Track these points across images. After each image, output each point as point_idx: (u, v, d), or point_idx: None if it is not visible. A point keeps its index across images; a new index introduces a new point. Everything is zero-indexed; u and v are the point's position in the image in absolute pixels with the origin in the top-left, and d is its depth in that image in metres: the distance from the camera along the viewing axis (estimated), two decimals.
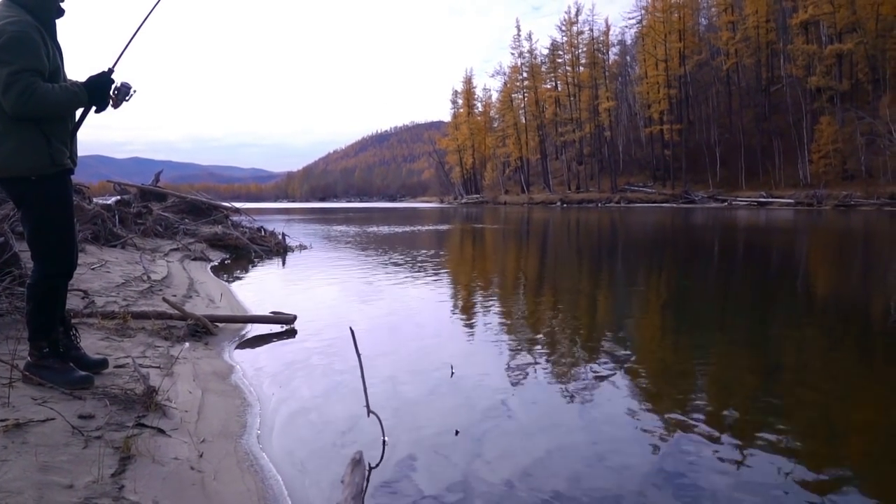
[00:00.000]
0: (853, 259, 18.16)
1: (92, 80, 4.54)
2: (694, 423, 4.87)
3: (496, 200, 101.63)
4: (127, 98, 4.72)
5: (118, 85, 4.65)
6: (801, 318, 9.52)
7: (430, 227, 36.88)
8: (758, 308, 10.35)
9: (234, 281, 13.35)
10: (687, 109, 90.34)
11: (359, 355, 4.45)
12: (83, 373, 4.77)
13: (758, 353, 7.43)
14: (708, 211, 56.77)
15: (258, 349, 7.44)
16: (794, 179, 71.81)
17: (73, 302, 7.70)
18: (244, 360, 6.83)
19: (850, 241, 24.04)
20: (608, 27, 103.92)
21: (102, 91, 4.58)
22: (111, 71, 4.60)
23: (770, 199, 65.56)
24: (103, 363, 5.21)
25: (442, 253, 21.04)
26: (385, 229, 34.14)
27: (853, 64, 74.97)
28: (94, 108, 4.65)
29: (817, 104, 73.33)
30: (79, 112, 4.67)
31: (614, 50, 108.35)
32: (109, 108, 4.71)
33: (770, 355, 7.33)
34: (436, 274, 14.27)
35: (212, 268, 15.21)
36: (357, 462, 2.46)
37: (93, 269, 10.73)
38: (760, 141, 78.18)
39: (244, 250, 18.35)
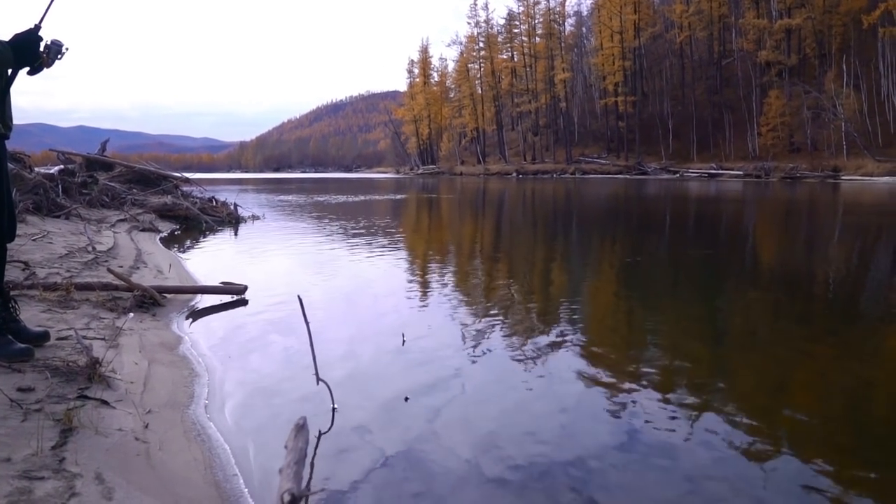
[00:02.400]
0: (797, 230, 18.66)
1: (18, 37, 4.27)
2: (646, 387, 4.96)
3: (452, 171, 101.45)
4: (59, 57, 4.48)
5: (48, 42, 4.42)
6: (747, 286, 9.76)
7: (386, 197, 36.69)
8: (707, 277, 10.58)
9: (184, 252, 13.12)
10: (641, 82, 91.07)
11: (307, 323, 4.42)
12: (22, 345, 4.63)
13: (706, 320, 7.60)
14: (660, 182, 57.58)
15: (208, 320, 7.34)
16: (743, 152, 73.21)
17: (13, 273, 7.46)
18: (193, 331, 6.73)
19: (795, 213, 24.67)
20: None
21: (31, 49, 4.33)
22: (38, 27, 4.35)
23: (720, 171, 66.73)
24: (44, 336, 5.07)
25: (397, 223, 20.98)
26: (340, 199, 33.85)
27: (801, 39, 76.34)
28: (24, 68, 4.43)
29: (766, 78, 74.63)
30: (9, 74, 4.46)
31: (570, 21, 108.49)
32: (43, 69, 4.50)
33: (718, 322, 7.52)
34: (391, 244, 14.22)
35: (161, 239, 14.91)
36: (300, 427, 2.44)
37: (34, 240, 10.42)
38: (712, 114, 79.39)
39: (195, 221, 18.01)
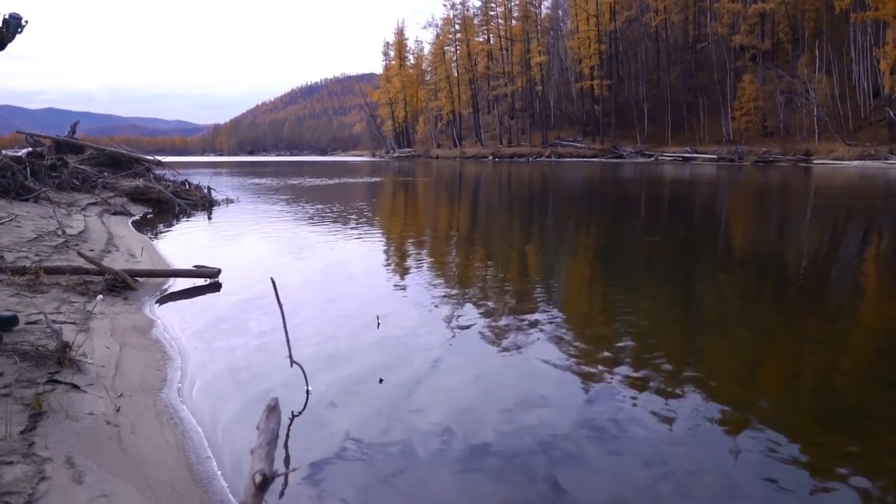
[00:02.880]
0: (770, 214, 18.88)
1: None
2: (619, 368, 5.02)
3: (428, 154, 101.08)
4: (19, 30, 4.37)
5: (5, 16, 4.30)
6: (720, 269, 9.88)
7: (362, 180, 36.53)
8: (680, 260, 10.69)
9: (156, 235, 12.98)
10: (617, 65, 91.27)
11: (280, 306, 4.40)
12: None
13: (679, 302, 7.69)
14: (635, 166, 57.90)
15: (181, 303, 7.28)
16: (717, 136, 73.80)
17: None
18: (166, 315, 6.67)
19: (768, 197, 24.96)
20: None
21: None
22: None
23: (694, 155, 67.26)
24: (13, 320, 5.00)
25: (373, 206, 20.91)
26: (315, 182, 33.63)
27: (775, 23, 76.96)
28: None
29: (740, 62, 75.12)
30: None
31: (546, 4, 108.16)
32: (5, 45, 4.38)
33: (690, 304, 7.61)
34: (366, 227, 14.18)
35: (133, 222, 14.73)
36: (272, 408, 2.43)
37: (1, 223, 10.24)
38: (686, 98, 79.86)
39: (168, 204, 17.80)
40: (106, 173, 19.85)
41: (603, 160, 73.13)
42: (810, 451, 3.68)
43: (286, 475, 3.35)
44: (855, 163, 50.01)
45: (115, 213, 15.21)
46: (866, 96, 61.54)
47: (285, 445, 3.73)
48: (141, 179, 19.61)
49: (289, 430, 3.94)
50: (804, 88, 62.46)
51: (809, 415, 4.27)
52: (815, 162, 54.98)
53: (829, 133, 59.99)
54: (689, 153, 68.65)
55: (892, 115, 53.73)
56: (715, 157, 64.29)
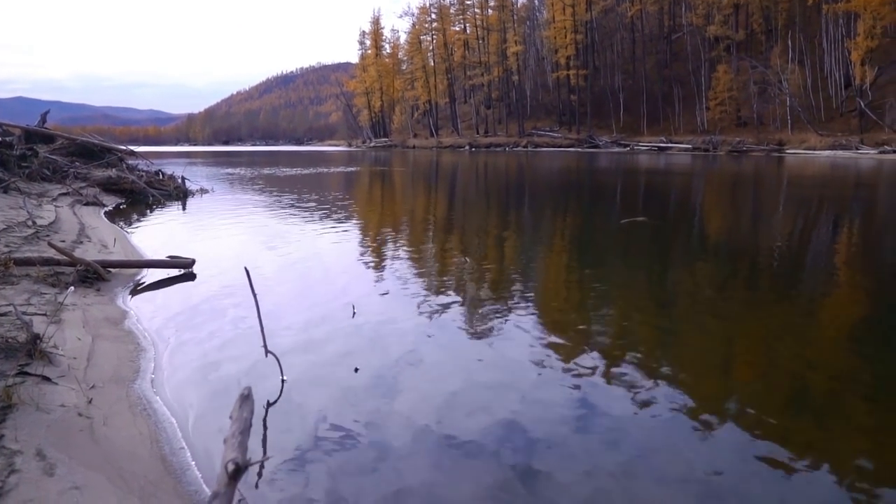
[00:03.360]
0: (744, 202, 19.09)
1: None
2: (597, 356, 5.06)
3: (405, 144, 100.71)
4: None
5: None
6: (695, 257, 9.99)
7: (338, 170, 36.32)
8: (655, 249, 10.77)
9: (129, 226, 12.84)
10: (593, 55, 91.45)
11: (254, 295, 4.38)
12: None
13: (654, 291, 7.76)
14: (611, 155, 58.17)
15: (154, 294, 7.22)
16: (692, 126, 74.28)
17: None
18: (139, 306, 6.61)
19: (742, 186, 25.21)
20: None
21: None
22: None
23: (669, 145, 67.68)
24: None
25: (349, 196, 20.82)
26: (291, 172, 33.39)
27: (749, 14, 77.54)
28: None
29: (715, 53, 75.61)
30: None
31: None
32: None
33: (665, 294, 7.68)
34: (342, 217, 14.12)
35: (105, 213, 14.56)
36: (245, 397, 2.42)
37: None
38: (661, 88, 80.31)
39: (141, 195, 17.60)
40: (77, 163, 19.55)
41: (579, 150, 73.38)
42: (782, 434, 3.74)
43: (260, 464, 3.34)
44: (827, 152, 50.65)
45: (87, 204, 15.01)
46: (838, 87, 62.25)
47: (261, 435, 3.72)
48: (113, 169, 19.35)
49: (265, 419, 3.93)
50: (777, 79, 63.02)
51: (781, 398, 4.34)
52: (787, 152, 55.58)
53: (802, 123, 60.61)
54: (664, 143, 69.06)
55: (862, 105, 54.42)
56: (690, 146, 64.77)
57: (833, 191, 21.77)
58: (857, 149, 49.24)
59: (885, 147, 46.64)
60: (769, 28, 74.98)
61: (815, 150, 53.61)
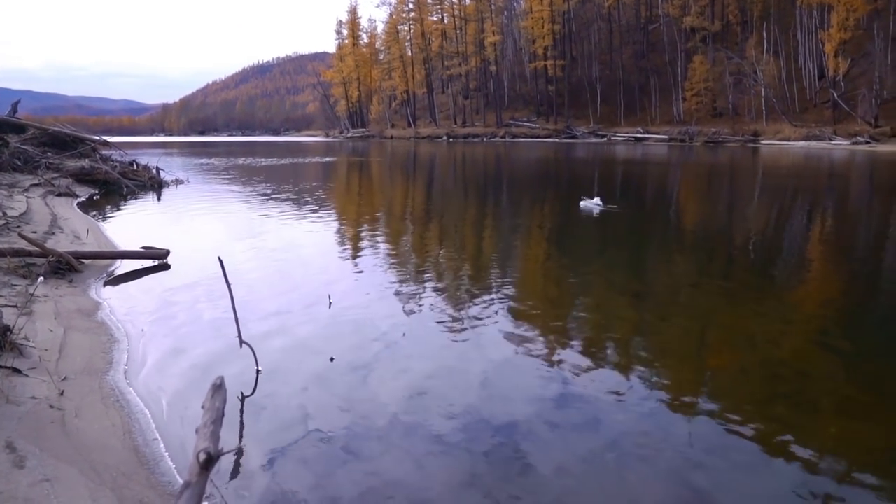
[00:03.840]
0: (720, 192, 19.25)
1: None
2: (574, 345, 5.09)
3: (382, 134, 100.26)
4: None
5: None
6: (671, 247, 10.06)
7: (315, 160, 36.11)
8: (632, 238, 10.84)
9: (103, 217, 12.68)
10: (570, 46, 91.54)
11: (228, 285, 4.34)
12: None
13: (631, 280, 7.81)
14: (589, 146, 58.39)
15: (128, 285, 7.14)
16: (668, 116, 74.73)
17: None
18: (112, 297, 6.54)
19: (718, 176, 25.42)
20: None
21: None
22: None
23: (646, 135, 68.07)
24: None
25: (327, 186, 20.71)
26: (268, 162, 33.13)
27: (724, 5, 78.04)
28: None
29: (691, 44, 76.06)
30: None
31: None
32: None
33: (642, 282, 7.74)
34: (320, 207, 14.04)
35: (78, 203, 14.36)
36: (217, 387, 2.41)
37: None
38: (638, 78, 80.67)
39: (115, 185, 17.39)
40: (50, 154, 19.23)
41: (557, 140, 73.58)
42: (757, 421, 3.79)
43: (235, 453, 3.32)
44: (801, 143, 51.20)
45: (59, 195, 14.79)
46: (812, 78, 62.89)
47: (235, 425, 3.70)
48: (87, 160, 19.07)
49: (241, 409, 3.91)
50: (752, 70, 63.52)
51: (755, 386, 4.39)
52: (762, 142, 56.13)
53: (777, 114, 61.20)
54: (641, 133, 69.45)
55: (835, 96, 55.03)
56: (666, 137, 65.19)
57: (807, 181, 22.02)
58: (831, 139, 49.86)
59: (858, 138, 47.26)
60: (744, 19, 75.61)
61: (789, 140, 54.22)
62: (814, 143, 49.92)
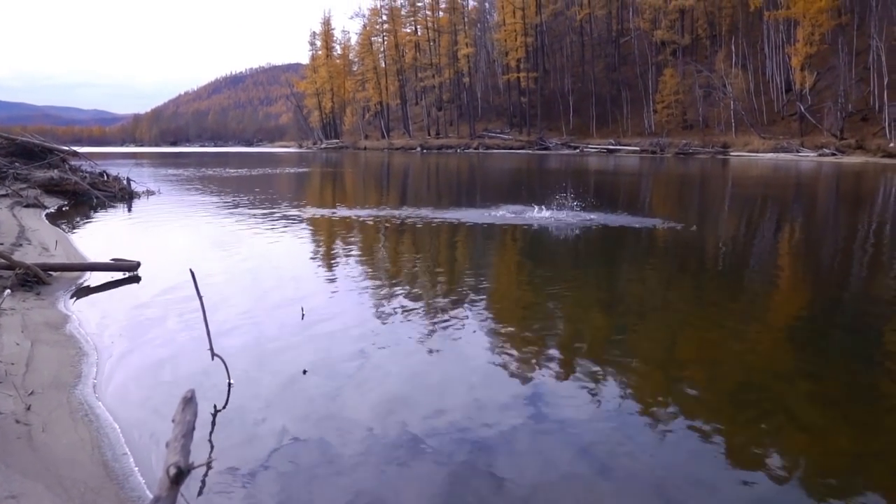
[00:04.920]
0: (690, 202, 19.49)
1: None
2: (547, 356, 5.11)
3: (356, 145, 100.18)
4: None
5: None
6: (643, 257, 10.15)
7: (288, 171, 35.95)
8: (604, 249, 10.93)
9: (72, 228, 12.51)
10: (543, 58, 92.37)
11: (200, 297, 4.30)
12: None
13: (603, 291, 7.87)
14: (561, 157, 58.83)
15: (97, 297, 7.05)
16: (640, 128, 75.64)
17: None
18: (81, 309, 6.45)
19: (689, 186, 25.75)
20: None
21: None
22: None
23: (618, 147, 68.83)
24: None
25: (299, 197, 20.61)
26: (241, 173, 32.90)
27: (694, 19, 79.37)
28: None
29: (662, 57, 77.16)
30: None
31: None
32: None
33: (615, 293, 7.79)
34: (292, 218, 13.96)
35: (47, 215, 14.16)
36: (188, 400, 2.38)
37: None
38: (610, 91, 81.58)
39: (85, 196, 17.17)
40: (17, 164, 18.92)
41: (530, 151, 74.06)
42: (728, 431, 3.83)
43: (204, 468, 3.27)
44: (769, 155, 52.07)
45: (27, 206, 14.58)
46: (779, 91, 64.03)
47: (207, 439, 3.66)
48: (56, 170, 18.79)
49: (212, 423, 3.87)
50: (721, 83, 64.53)
51: (726, 396, 4.45)
52: (732, 154, 57.02)
53: (745, 126, 62.20)
54: (613, 145, 70.22)
55: (802, 109, 56.07)
56: (638, 148, 65.95)
57: (776, 191, 22.39)
58: (798, 151, 50.79)
59: (824, 150, 48.24)
60: (713, 33, 76.92)
61: (758, 152, 55.13)
62: (782, 155, 50.81)
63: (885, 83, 48.75)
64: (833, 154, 46.77)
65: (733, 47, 68.23)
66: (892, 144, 44.82)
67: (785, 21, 61.75)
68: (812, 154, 48.59)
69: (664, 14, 78.25)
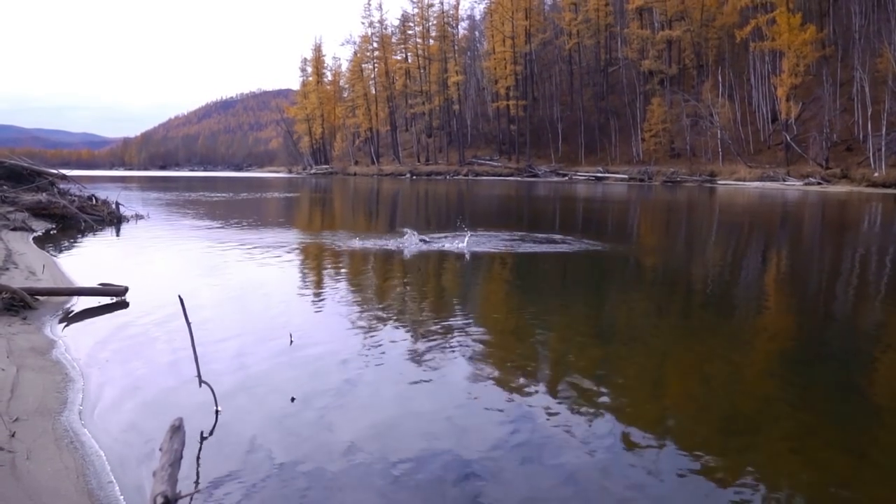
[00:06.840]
0: (678, 230, 19.62)
1: None
2: (534, 386, 5.11)
3: (346, 171, 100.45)
4: None
5: None
6: (631, 284, 10.20)
7: (278, 196, 35.96)
8: (593, 275, 10.97)
9: (60, 252, 12.44)
10: (532, 86, 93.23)
11: (188, 324, 4.29)
12: None
13: (591, 318, 7.89)
14: (550, 184, 59.16)
15: (85, 323, 7.00)
16: (628, 156, 76.31)
17: None
18: (68, 335, 6.40)
19: (676, 214, 25.93)
20: (458, 1, 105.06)
21: None
22: None
23: (606, 175, 69.34)
24: None
25: (289, 223, 20.61)
26: (230, 197, 32.89)
27: (681, 50, 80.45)
28: None
29: (649, 86, 78.03)
30: None
31: (464, 24, 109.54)
32: None
33: (603, 321, 7.82)
34: (281, 244, 13.94)
35: (34, 238, 14.09)
36: (176, 429, 2.37)
37: None
38: (598, 119, 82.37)
39: (73, 220, 17.12)
40: (5, 187, 18.88)
41: (519, 178, 74.55)
42: (714, 460, 3.83)
43: (191, 496, 3.24)
44: (755, 183, 52.58)
45: (14, 229, 14.50)
46: (765, 121, 64.82)
47: (194, 467, 3.63)
48: (44, 194, 18.74)
49: (199, 451, 3.84)
50: (708, 112, 65.28)
51: (714, 426, 4.45)
52: (719, 182, 57.58)
53: (732, 155, 62.85)
54: (601, 173, 70.74)
55: (788, 139, 56.72)
56: (626, 176, 66.47)
57: (762, 219, 22.59)
58: (784, 180, 51.29)
59: (810, 179, 48.76)
60: (700, 63, 77.95)
61: (744, 181, 55.64)
62: (768, 184, 51.28)
63: (869, 114, 49.42)
64: (819, 183, 47.27)
65: (720, 77, 69.16)
66: (876, 174, 45.38)
67: (770, 52, 62.67)
68: (798, 183, 49.09)
69: (652, 44, 79.29)
